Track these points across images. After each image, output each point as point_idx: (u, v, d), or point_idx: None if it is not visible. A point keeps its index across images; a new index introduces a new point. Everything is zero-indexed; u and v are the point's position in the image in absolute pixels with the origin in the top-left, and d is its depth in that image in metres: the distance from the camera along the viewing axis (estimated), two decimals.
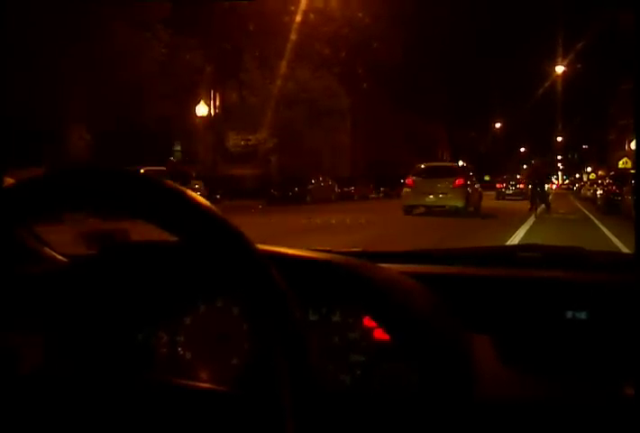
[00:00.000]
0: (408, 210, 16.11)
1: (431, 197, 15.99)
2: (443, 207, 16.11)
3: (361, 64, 30.80)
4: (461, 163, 21.68)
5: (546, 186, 20.19)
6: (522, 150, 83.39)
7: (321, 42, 25.61)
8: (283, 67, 25.35)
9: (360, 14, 25.40)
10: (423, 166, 17.46)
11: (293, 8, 22.21)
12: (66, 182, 0.62)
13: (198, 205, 0.59)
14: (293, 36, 22.98)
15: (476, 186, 18.37)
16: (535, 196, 17.98)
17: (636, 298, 0.97)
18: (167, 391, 0.88)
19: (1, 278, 0.91)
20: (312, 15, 22.78)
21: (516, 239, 9.81)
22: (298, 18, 22.22)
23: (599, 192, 21.22)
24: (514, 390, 0.88)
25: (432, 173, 16.50)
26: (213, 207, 0.60)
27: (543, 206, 17.61)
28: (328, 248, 1.23)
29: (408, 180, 16.81)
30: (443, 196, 16.00)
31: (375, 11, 25.88)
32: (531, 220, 13.85)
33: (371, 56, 29.90)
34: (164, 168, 18.23)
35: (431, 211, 15.84)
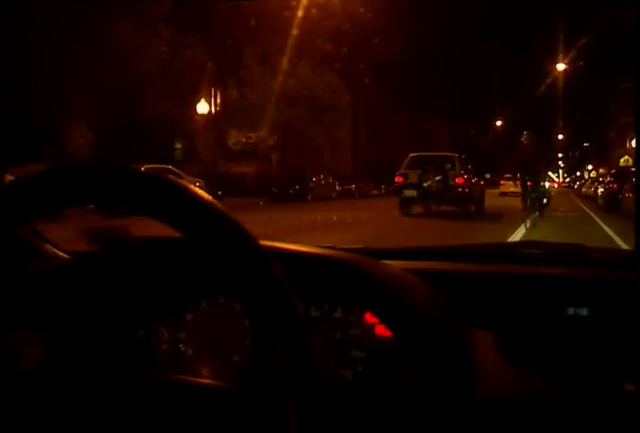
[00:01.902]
0: (502, 194, 29.47)
1: (512, 189, 28.76)
2: (516, 193, 27.77)
3: (363, 60, 30.76)
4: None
5: (547, 184, 16.51)
6: None
7: (322, 38, 25.55)
8: (284, 63, 25.31)
9: (361, 9, 25.33)
10: (506, 176, 33.21)
11: (294, 3, 22.16)
12: (67, 179, 0.62)
13: (202, 200, 0.59)
14: (294, 32, 22.93)
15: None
16: (532, 199, 12.25)
17: (637, 294, 0.97)
18: (168, 387, 0.88)
19: (2, 275, 0.91)
20: (313, 11, 22.71)
21: (517, 236, 9.81)
22: (299, 14, 22.17)
23: (600, 190, 21.20)
24: (515, 386, 0.88)
25: (510, 179, 30.50)
26: (216, 202, 0.60)
27: (536, 213, 12.16)
28: (330, 245, 1.23)
29: (502, 182, 32.36)
30: (516, 188, 29.33)
31: (376, 6, 25.82)
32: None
33: (372, 52, 29.84)
34: (166, 166, 18.21)
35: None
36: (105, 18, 17.71)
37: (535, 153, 12.48)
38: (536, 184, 12.45)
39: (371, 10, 25.65)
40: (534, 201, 12.15)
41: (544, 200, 12.93)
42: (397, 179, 16.05)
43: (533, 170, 12.42)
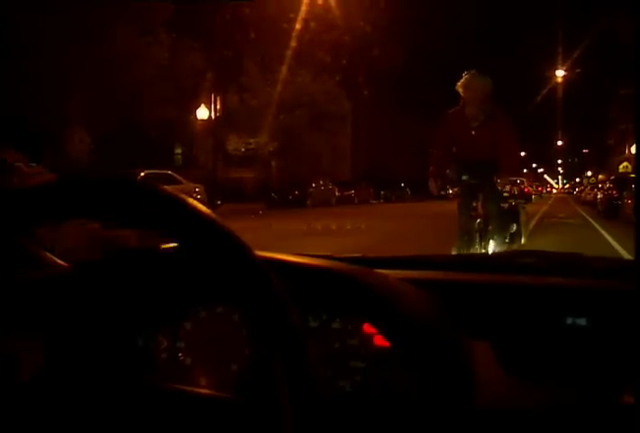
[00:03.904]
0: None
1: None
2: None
3: (363, 71, 30.81)
4: None
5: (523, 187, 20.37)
6: (522, 154, 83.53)
7: (322, 50, 25.62)
8: (284, 71, 25.39)
9: (361, 23, 25.39)
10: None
11: (293, 16, 22.19)
12: (67, 190, 0.62)
13: (199, 212, 0.60)
14: (295, 44, 23.01)
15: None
16: (470, 221, 5.07)
17: (636, 304, 0.97)
18: (166, 396, 0.88)
19: (2, 283, 0.91)
20: (313, 23, 22.76)
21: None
22: (300, 26, 22.23)
23: (600, 196, 21.22)
24: (514, 397, 0.88)
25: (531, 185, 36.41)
26: (213, 214, 0.60)
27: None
28: (328, 253, 1.23)
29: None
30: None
31: (375, 17, 25.87)
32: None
33: (372, 62, 29.88)
34: (166, 171, 18.17)
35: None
36: (107, 22, 17.75)
37: (484, 119, 5.09)
38: (489, 188, 5.12)
39: (371, 22, 25.69)
40: (481, 227, 5.15)
41: (513, 227, 5.51)
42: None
43: (479, 155, 5.12)
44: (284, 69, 25.27)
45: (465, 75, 5.26)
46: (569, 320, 1.02)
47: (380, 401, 0.86)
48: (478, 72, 5.26)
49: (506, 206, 5.86)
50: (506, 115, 5.26)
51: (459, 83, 5.24)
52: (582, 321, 1.02)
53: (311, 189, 26.52)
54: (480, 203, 5.21)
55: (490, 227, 5.19)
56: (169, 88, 21.04)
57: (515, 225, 5.52)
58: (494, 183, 5.13)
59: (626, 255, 7.15)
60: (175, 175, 18.51)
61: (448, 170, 5.43)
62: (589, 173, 64.21)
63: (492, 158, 5.09)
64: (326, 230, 12.32)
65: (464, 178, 5.28)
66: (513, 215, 5.59)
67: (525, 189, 38.30)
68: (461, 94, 5.26)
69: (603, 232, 12.57)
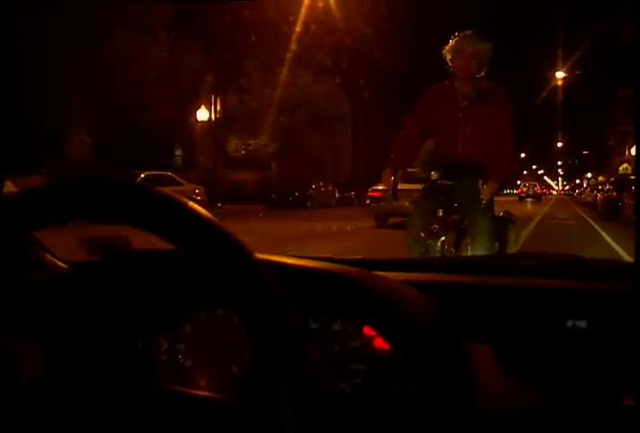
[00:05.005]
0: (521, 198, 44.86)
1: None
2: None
3: (363, 72, 30.80)
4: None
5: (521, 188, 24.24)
6: (522, 155, 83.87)
7: (323, 53, 25.63)
8: (284, 72, 25.41)
9: (361, 25, 25.40)
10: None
11: (293, 19, 22.20)
12: (67, 194, 0.62)
13: (198, 214, 0.60)
14: (295, 47, 23.03)
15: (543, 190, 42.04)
16: (433, 242, 3.55)
17: (637, 306, 0.97)
18: (166, 398, 0.88)
19: (2, 285, 0.91)
20: (313, 26, 22.78)
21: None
22: (301, 29, 22.25)
23: (599, 198, 21.25)
24: (515, 399, 0.88)
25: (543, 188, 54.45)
26: (213, 217, 0.60)
27: None
28: (329, 255, 1.23)
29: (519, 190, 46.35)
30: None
31: (376, 19, 25.86)
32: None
33: (372, 64, 29.87)
34: (166, 172, 18.16)
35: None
36: (106, 24, 17.74)
37: (476, 97, 3.78)
38: (472, 194, 3.71)
39: (371, 25, 25.68)
40: (446, 249, 3.65)
41: (495, 246, 3.69)
42: (519, 190, 38.87)
43: (462, 146, 3.76)
44: (284, 70, 25.28)
45: (455, 37, 3.74)
46: (569, 323, 1.02)
47: (381, 403, 0.86)
48: (474, 33, 3.75)
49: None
50: (507, 96, 3.83)
51: (446, 47, 3.75)
52: (582, 323, 1.02)
53: (311, 191, 26.50)
54: (446, 214, 3.75)
55: (469, 244, 3.70)
56: (168, 90, 21.05)
57: (497, 243, 3.77)
58: (478, 188, 3.67)
59: (627, 257, 7.15)
60: (175, 176, 18.49)
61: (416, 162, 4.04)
62: (589, 175, 64.29)
63: (480, 151, 3.74)
64: (326, 232, 12.32)
65: (434, 175, 3.80)
66: (498, 230, 3.87)
67: (539, 191, 53.09)
68: (449, 62, 3.76)
69: (603, 233, 12.58)
